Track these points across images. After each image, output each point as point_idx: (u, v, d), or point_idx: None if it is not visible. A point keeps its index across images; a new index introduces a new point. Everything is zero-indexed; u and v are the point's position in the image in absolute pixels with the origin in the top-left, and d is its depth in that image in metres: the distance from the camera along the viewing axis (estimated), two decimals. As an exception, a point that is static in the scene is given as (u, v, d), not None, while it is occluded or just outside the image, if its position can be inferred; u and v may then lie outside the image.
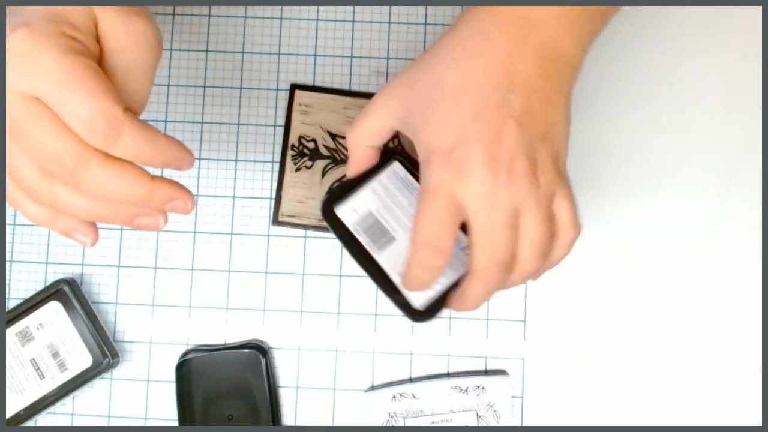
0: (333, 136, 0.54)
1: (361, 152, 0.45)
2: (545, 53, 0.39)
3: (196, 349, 0.53)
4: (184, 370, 0.53)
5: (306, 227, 0.54)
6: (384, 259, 0.46)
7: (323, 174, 0.54)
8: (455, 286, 0.44)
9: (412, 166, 0.47)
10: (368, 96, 0.55)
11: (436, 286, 0.44)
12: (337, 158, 0.54)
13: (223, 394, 0.52)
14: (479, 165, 0.37)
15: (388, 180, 0.47)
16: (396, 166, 0.48)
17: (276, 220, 0.54)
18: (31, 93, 0.30)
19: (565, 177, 0.40)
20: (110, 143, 0.31)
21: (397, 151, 0.48)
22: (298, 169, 0.54)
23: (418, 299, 0.45)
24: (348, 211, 0.47)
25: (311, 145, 0.54)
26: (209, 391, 0.52)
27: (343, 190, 0.47)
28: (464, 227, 0.40)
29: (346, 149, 0.54)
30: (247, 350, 0.53)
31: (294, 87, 0.55)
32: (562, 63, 0.40)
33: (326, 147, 0.54)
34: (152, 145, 0.33)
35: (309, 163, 0.54)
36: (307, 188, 0.54)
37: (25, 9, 0.31)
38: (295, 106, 0.55)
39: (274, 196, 0.54)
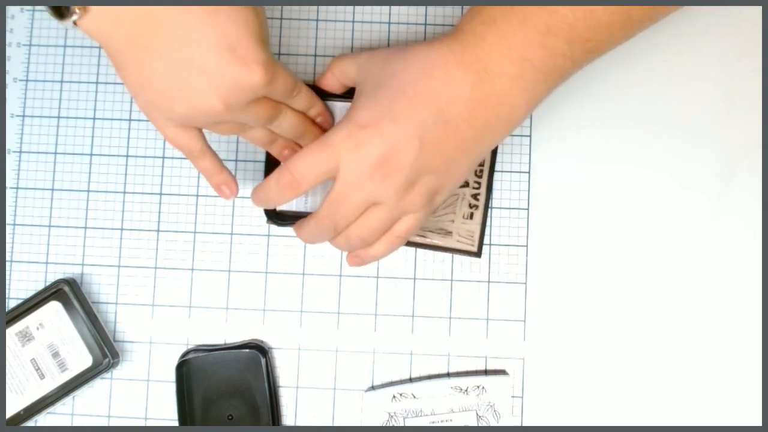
0: None
1: (331, 79, 0.50)
2: (487, 105, 0.43)
3: (196, 349, 0.53)
4: (184, 370, 0.53)
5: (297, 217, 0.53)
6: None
7: None
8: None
9: None
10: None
11: (303, 206, 0.51)
12: None
13: (223, 394, 0.52)
14: (370, 156, 0.43)
15: (339, 111, 0.51)
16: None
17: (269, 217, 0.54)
18: (265, 95, 0.43)
19: (430, 206, 0.46)
20: (293, 100, 0.46)
21: None
22: None
23: (284, 206, 0.51)
24: None
25: None
26: (209, 391, 0.52)
27: None
28: None
29: None
30: (247, 350, 0.53)
31: None
32: (499, 118, 0.44)
33: None
34: (311, 98, 0.47)
35: None
36: None
37: (235, 31, 0.40)
38: None
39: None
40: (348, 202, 0.44)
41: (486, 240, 0.54)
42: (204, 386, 0.52)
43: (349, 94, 0.50)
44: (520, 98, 0.43)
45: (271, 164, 0.51)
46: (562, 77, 0.45)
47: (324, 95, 0.51)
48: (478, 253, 0.54)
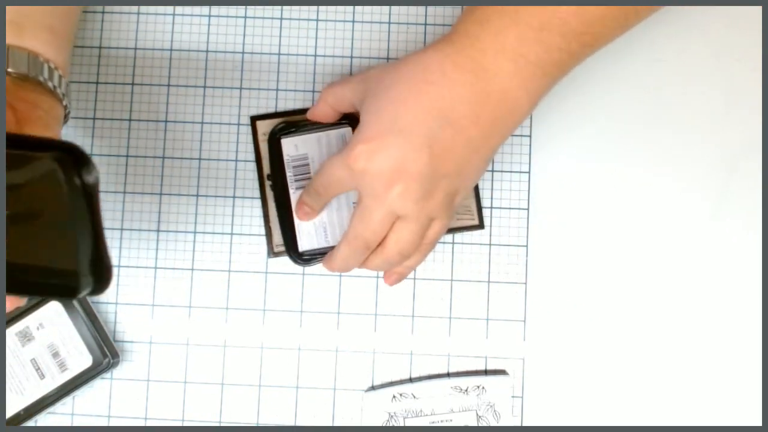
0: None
1: (325, 108, 0.51)
2: (488, 102, 0.43)
3: None
4: None
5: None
6: (295, 197, 0.53)
7: None
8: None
9: None
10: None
11: (324, 242, 0.53)
12: None
13: None
14: (383, 171, 0.43)
15: (335, 138, 0.53)
16: (346, 131, 0.53)
17: (272, 252, 0.54)
18: None
19: (452, 209, 0.47)
20: None
21: (355, 119, 0.51)
22: None
23: (305, 245, 0.53)
24: (290, 145, 0.53)
25: None
26: None
27: (296, 127, 0.53)
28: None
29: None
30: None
31: (254, 119, 0.55)
32: (503, 114, 0.44)
33: None
34: None
35: None
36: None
37: None
38: (260, 137, 0.54)
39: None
40: (373, 217, 0.45)
41: (486, 240, 0.54)
42: None
43: (342, 121, 0.53)
44: (520, 92, 0.44)
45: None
46: (562, 70, 0.45)
47: (318, 125, 0.53)
48: (481, 225, 0.54)
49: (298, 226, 0.53)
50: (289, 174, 0.53)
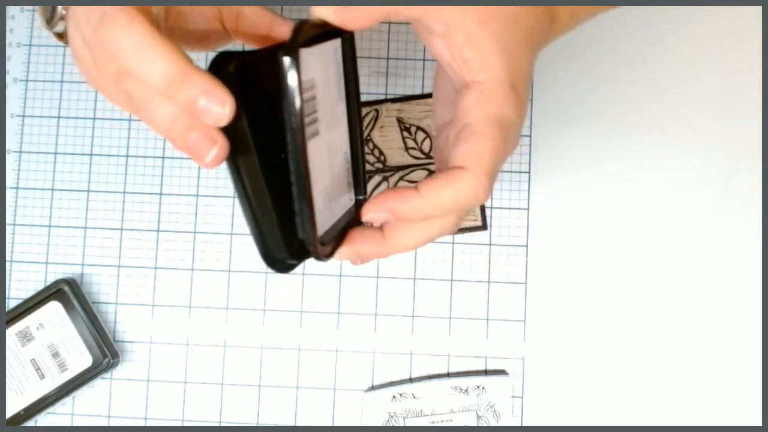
0: None
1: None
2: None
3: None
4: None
5: None
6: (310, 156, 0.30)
7: None
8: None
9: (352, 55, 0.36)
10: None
11: (330, 216, 0.34)
12: None
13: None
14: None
15: (330, 55, 0.33)
16: (338, 45, 0.35)
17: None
18: None
19: None
20: None
21: (348, 31, 0.33)
22: None
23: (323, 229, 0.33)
24: (308, 63, 0.30)
25: None
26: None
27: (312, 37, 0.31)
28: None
29: None
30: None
31: None
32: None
33: None
34: None
35: None
36: None
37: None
38: None
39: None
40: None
41: (486, 240, 0.54)
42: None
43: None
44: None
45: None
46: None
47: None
48: (484, 226, 0.54)
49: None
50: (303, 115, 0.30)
